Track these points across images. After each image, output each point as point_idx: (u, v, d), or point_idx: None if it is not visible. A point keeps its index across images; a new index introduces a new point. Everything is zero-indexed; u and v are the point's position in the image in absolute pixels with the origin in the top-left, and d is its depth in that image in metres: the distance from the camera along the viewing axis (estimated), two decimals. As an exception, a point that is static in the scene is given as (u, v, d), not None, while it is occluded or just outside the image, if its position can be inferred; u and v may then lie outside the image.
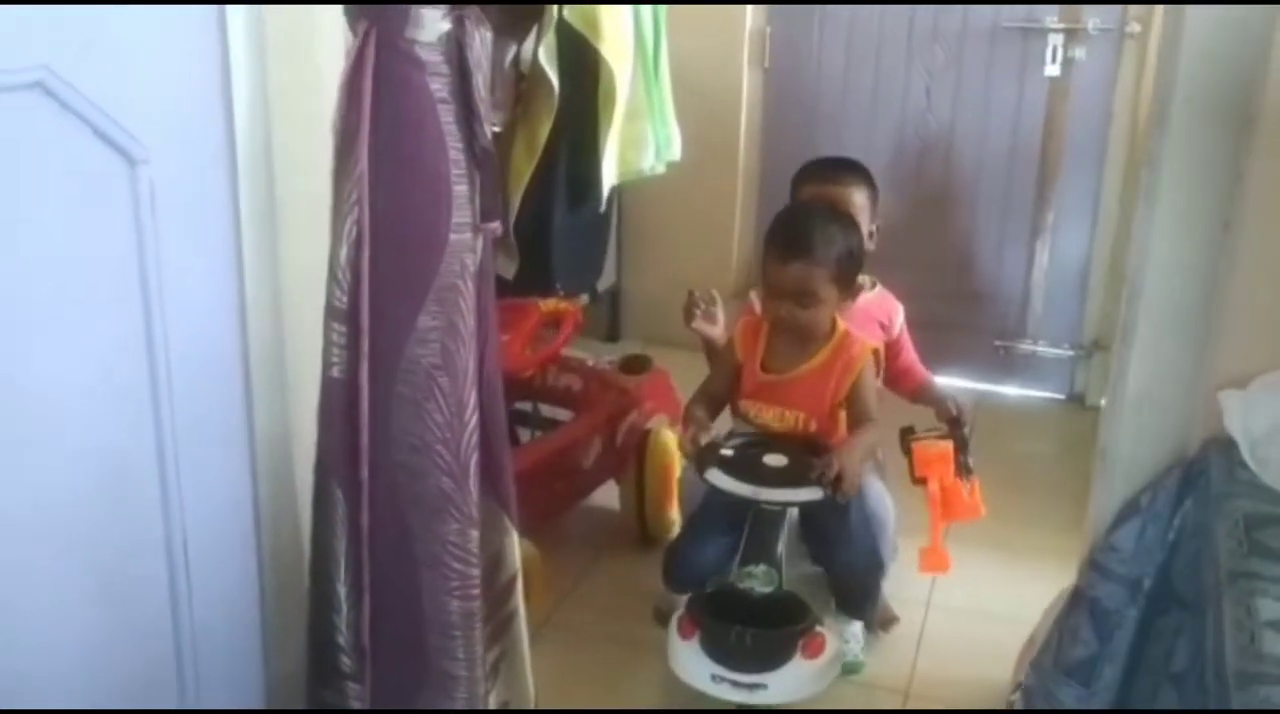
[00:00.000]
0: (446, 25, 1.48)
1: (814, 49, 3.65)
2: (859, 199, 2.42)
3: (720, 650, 2.06)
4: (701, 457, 2.16)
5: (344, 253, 1.53)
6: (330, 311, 1.56)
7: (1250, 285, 1.41)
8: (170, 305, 1.46)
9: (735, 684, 2.04)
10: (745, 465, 2.12)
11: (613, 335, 3.89)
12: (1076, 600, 1.68)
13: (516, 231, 2.79)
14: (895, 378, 2.49)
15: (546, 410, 2.87)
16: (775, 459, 2.14)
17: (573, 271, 2.99)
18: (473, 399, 1.59)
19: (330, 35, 1.53)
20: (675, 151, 3.06)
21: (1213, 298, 1.39)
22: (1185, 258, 1.35)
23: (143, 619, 1.51)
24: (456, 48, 1.50)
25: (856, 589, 2.28)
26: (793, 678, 2.05)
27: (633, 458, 2.69)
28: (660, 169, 3.00)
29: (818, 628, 2.09)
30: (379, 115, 1.48)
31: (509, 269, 2.82)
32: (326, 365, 1.59)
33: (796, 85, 3.68)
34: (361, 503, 1.61)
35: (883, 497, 2.34)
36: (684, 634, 2.11)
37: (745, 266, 3.80)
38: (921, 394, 2.49)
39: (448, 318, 1.55)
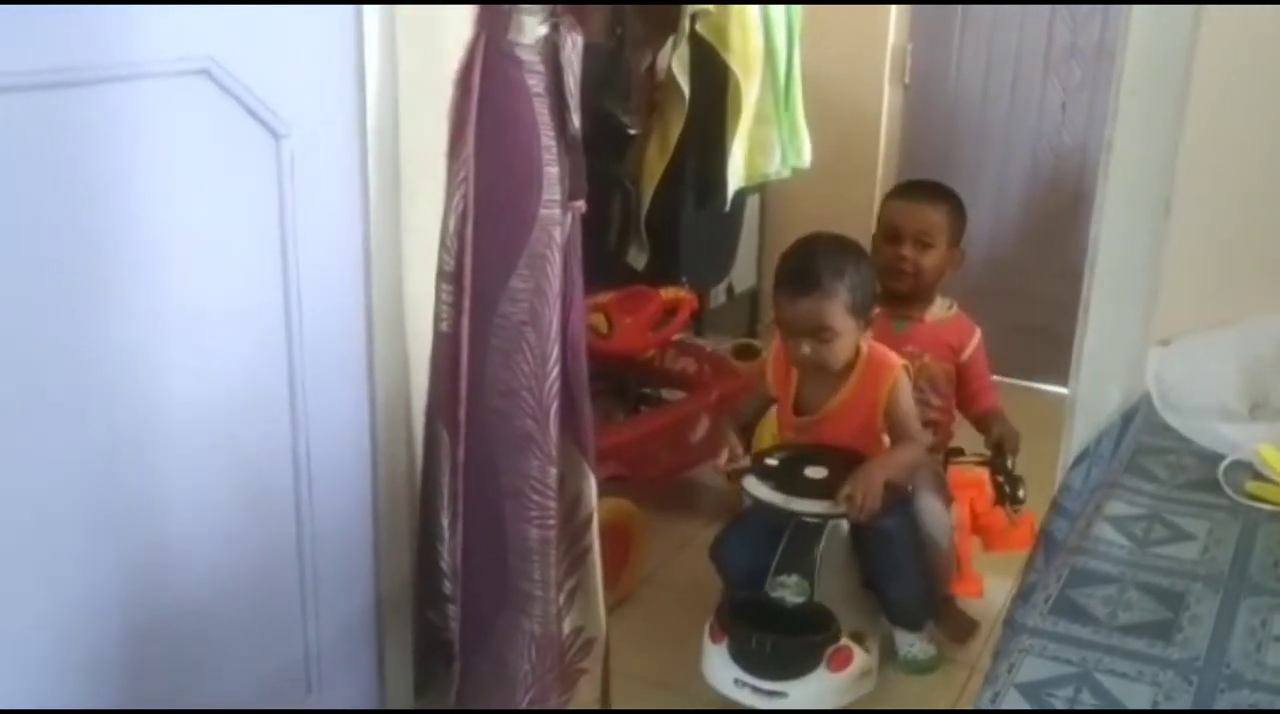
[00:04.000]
0: (544, 30, 1.70)
1: (953, 67, 3.77)
2: (936, 219, 2.50)
3: (744, 656, 2.07)
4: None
5: (452, 223, 1.77)
6: (440, 274, 1.80)
7: (1183, 259, 1.55)
8: (304, 260, 1.72)
9: (756, 690, 2.06)
10: (785, 475, 2.12)
11: (751, 334, 4.05)
12: (1038, 536, 1.80)
13: (648, 226, 3.02)
14: (965, 402, 2.54)
15: (669, 395, 3.09)
16: (816, 471, 2.12)
17: (700, 266, 3.20)
18: (555, 352, 1.79)
19: (451, 36, 1.77)
20: (805, 159, 3.24)
21: (1155, 269, 1.53)
22: (1133, 232, 1.48)
23: (270, 520, 1.77)
24: (552, 49, 1.71)
25: (907, 609, 2.28)
26: (815, 689, 2.06)
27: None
28: (786, 174, 3.18)
29: (844, 640, 2.08)
30: (485, 106, 1.71)
31: (640, 260, 3.05)
32: (437, 321, 1.83)
33: (935, 101, 3.81)
34: (459, 441, 1.85)
35: (939, 516, 2.32)
36: (714, 638, 2.14)
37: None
38: (981, 421, 2.50)
39: (536, 281, 1.76)
